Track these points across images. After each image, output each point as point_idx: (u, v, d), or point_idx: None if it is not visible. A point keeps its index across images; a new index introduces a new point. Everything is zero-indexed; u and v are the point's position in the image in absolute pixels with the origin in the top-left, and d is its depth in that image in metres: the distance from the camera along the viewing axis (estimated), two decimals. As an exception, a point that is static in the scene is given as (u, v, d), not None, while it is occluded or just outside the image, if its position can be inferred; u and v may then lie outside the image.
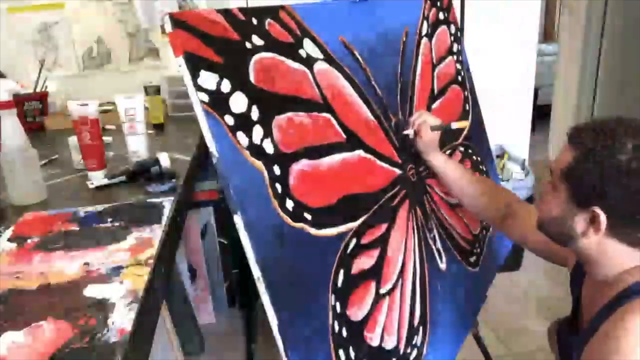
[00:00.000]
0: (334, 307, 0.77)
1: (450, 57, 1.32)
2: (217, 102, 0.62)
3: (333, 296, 0.77)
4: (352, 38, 0.91)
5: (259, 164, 0.67)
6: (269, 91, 0.70)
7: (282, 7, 0.75)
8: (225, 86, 0.64)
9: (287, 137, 0.72)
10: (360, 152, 0.89)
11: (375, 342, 0.85)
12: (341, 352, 0.77)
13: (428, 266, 1.05)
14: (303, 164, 0.74)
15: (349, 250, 0.82)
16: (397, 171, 1.01)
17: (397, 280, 0.93)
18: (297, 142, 0.74)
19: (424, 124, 1.03)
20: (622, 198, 0.71)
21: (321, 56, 0.82)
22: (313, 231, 0.75)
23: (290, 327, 0.68)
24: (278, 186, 0.69)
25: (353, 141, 0.87)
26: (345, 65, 0.88)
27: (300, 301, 0.71)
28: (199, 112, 0.61)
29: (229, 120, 0.64)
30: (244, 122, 0.65)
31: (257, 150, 0.67)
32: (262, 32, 0.70)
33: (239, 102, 0.65)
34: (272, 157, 0.69)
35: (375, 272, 0.88)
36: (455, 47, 1.35)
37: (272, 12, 0.73)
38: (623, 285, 0.76)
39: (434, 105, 1.20)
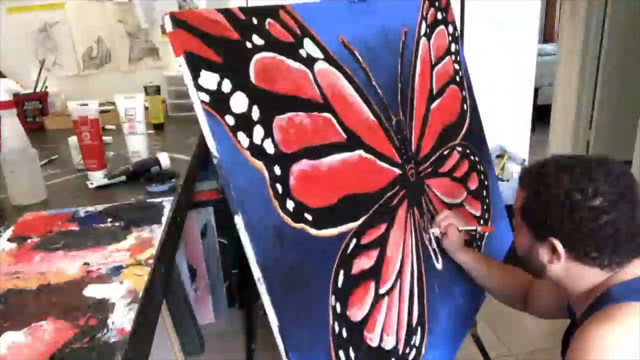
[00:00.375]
0: (334, 307, 0.77)
1: (448, 57, 1.32)
2: (218, 102, 0.62)
3: (333, 297, 0.77)
4: (352, 38, 0.91)
5: (259, 164, 0.67)
6: (270, 91, 0.70)
7: (282, 7, 0.75)
8: (226, 86, 0.64)
9: (287, 137, 0.72)
10: (360, 152, 0.89)
11: (374, 343, 0.85)
12: (341, 352, 0.77)
13: (425, 266, 1.05)
14: (303, 164, 0.74)
15: (349, 251, 0.82)
16: (397, 171, 1.01)
17: (395, 281, 0.93)
18: (297, 142, 0.74)
19: (451, 226, 1.09)
20: (569, 227, 0.78)
21: (321, 56, 0.82)
22: (313, 232, 0.75)
23: (290, 329, 0.68)
24: (279, 186, 0.69)
25: (353, 141, 0.87)
26: (346, 65, 0.88)
27: (300, 302, 0.71)
28: (199, 112, 0.61)
29: (230, 120, 0.63)
30: (244, 122, 0.65)
31: (257, 151, 0.67)
32: (262, 31, 0.70)
33: (239, 102, 0.65)
34: (273, 157, 0.69)
35: (375, 273, 0.88)
36: (453, 47, 1.35)
37: (272, 11, 0.73)
38: (589, 301, 0.82)
39: (432, 105, 1.20)
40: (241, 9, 0.68)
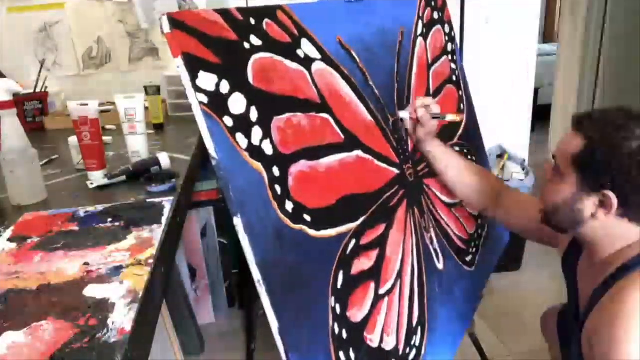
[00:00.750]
0: (334, 308, 0.77)
1: (444, 57, 1.32)
2: (216, 103, 0.62)
3: (333, 298, 0.77)
4: (349, 38, 0.91)
5: (258, 165, 0.67)
6: (268, 92, 0.70)
7: (280, 7, 0.75)
8: (224, 87, 0.64)
9: (285, 138, 0.72)
10: (358, 152, 0.89)
11: (375, 343, 0.86)
12: (341, 353, 0.77)
13: (426, 266, 1.05)
14: (302, 165, 0.74)
15: (348, 251, 0.82)
16: (395, 171, 1.01)
17: (395, 281, 0.93)
18: (295, 143, 0.74)
19: (426, 114, 1.02)
20: (633, 182, 0.74)
21: (319, 56, 0.82)
22: (312, 232, 0.75)
23: (290, 330, 0.68)
24: (277, 187, 0.69)
25: (351, 141, 0.87)
26: (343, 65, 0.88)
27: (300, 303, 0.71)
28: (197, 113, 0.61)
29: (228, 121, 0.64)
30: (242, 124, 0.66)
31: (256, 152, 0.67)
32: (260, 32, 0.71)
33: (237, 103, 0.65)
34: (272, 158, 0.69)
35: (375, 273, 0.88)
36: (449, 47, 1.35)
37: (270, 12, 0.73)
38: (622, 259, 0.79)
39: None
40: (239, 9, 0.68)
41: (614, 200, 0.76)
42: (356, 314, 0.82)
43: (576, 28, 3.23)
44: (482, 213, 1.16)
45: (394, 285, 0.92)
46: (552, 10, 5.55)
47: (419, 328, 0.99)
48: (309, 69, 0.79)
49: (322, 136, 0.80)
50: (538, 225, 0.92)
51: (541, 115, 3.80)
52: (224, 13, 0.65)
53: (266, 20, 0.72)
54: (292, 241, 0.71)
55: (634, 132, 0.74)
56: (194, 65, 0.60)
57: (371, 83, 0.96)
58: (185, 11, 0.67)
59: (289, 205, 0.71)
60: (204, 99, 0.61)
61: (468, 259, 1.27)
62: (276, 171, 0.69)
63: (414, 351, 0.96)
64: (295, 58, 0.76)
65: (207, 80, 0.61)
